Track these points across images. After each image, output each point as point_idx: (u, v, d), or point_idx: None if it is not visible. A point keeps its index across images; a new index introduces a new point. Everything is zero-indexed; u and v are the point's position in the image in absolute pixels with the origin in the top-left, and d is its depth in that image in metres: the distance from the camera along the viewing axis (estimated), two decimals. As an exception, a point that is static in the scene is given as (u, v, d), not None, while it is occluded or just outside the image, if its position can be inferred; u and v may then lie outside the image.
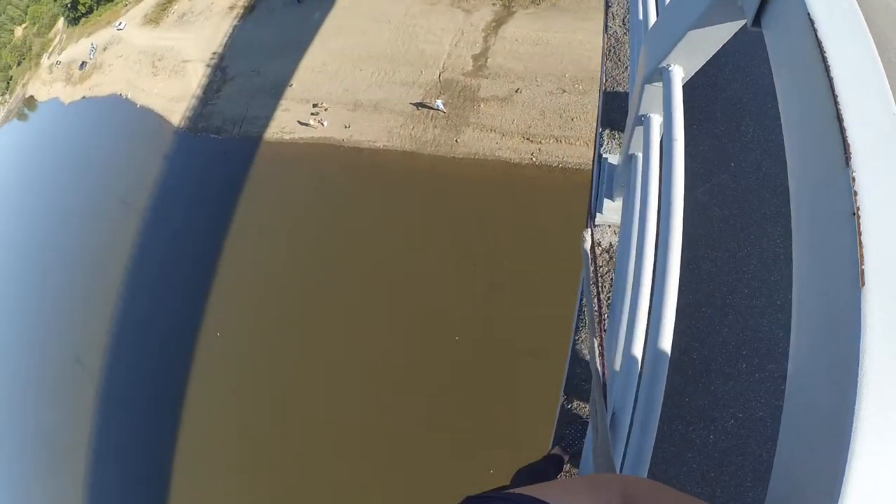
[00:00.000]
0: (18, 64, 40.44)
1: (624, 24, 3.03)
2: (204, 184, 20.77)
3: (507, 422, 12.30)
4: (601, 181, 2.20)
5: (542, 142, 17.27)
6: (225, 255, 18.56)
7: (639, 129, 1.55)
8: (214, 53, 23.46)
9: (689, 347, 2.28)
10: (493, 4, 18.18)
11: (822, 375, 0.44)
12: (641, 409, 1.09)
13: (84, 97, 30.10)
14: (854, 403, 0.38)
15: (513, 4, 18.00)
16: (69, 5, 39.69)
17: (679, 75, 1.23)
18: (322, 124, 18.74)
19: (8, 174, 32.43)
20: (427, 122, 17.61)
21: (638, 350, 1.25)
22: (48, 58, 38.53)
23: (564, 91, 17.51)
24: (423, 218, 16.61)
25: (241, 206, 18.88)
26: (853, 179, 0.43)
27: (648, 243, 1.31)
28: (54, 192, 26.86)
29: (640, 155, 1.51)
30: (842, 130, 0.46)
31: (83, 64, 31.98)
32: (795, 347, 0.52)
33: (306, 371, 15.62)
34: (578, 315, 2.49)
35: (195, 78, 23.60)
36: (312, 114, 19.22)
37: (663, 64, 1.22)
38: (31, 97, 37.21)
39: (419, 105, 16.91)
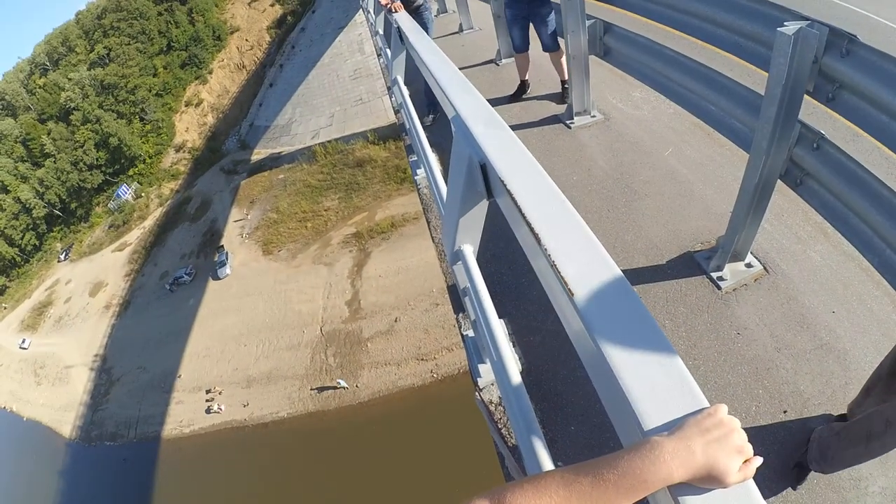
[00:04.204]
0: None
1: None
2: (105, 498, 19.12)
3: None
4: (471, 353, 2.64)
5: (437, 356, 18.34)
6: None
7: (468, 301, 1.97)
8: (96, 355, 22.85)
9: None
10: (350, 251, 19.98)
11: (589, 343, 0.69)
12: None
13: (-37, 415, 27.12)
14: (604, 354, 0.61)
15: (367, 246, 19.92)
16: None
17: (469, 250, 1.65)
18: (220, 409, 18.52)
19: None
20: (324, 377, 18.10)
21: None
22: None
23: (437, 304, 19.10)
24: (340, 474, 16.42)
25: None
26: (555, 266, 0.76)
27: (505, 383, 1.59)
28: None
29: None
30: (540, 245, 0.81)
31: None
32: (572, 335, 0.83)
33: None
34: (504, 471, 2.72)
35: (80, 383, 22.58)
36: (207, 401, 18.98)
37: (456, 248, 1.65)
38: None
39: (321, 389, 17.56)
